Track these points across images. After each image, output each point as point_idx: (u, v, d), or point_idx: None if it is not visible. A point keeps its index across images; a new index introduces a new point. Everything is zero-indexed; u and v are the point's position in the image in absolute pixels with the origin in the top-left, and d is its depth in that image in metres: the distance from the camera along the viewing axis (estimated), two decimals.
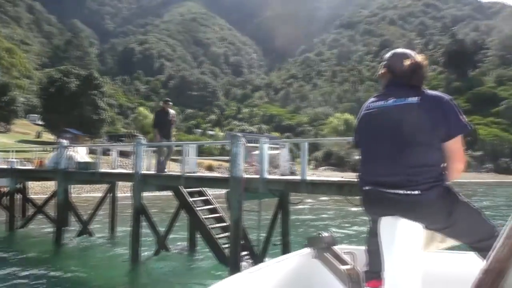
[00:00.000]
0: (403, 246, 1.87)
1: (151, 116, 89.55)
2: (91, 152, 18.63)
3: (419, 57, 2.05)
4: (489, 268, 0.91)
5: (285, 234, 8.97)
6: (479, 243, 1.94)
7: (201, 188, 10.51)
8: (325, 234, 2.23)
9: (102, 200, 14.06)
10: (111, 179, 13.26)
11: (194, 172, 9.37)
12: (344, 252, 2.20)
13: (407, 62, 2.00)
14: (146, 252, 10.30)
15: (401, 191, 1.87)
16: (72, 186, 14.27)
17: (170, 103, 10.60)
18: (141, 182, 9.89)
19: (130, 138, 52.48)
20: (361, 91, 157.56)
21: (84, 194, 25.68)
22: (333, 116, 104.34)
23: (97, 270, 9.95)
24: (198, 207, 10.02)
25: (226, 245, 8.98)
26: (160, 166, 10.03)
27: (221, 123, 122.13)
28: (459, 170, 1.97)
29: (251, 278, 1.92)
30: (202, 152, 39.75)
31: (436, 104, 1.90)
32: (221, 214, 10.18)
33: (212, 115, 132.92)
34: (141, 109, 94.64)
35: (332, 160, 73.77)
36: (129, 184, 11.29)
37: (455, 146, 1.91)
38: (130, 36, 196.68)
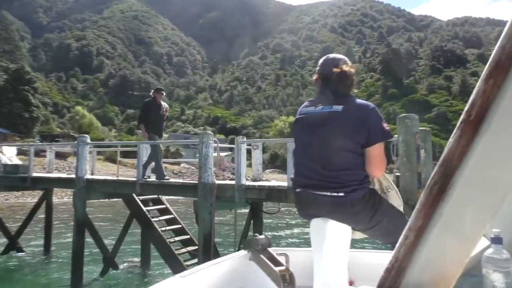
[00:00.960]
0: (332, 246, 1.96)
1: (89, 116, 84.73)
2: (22, 153, 16.33)
3: (346, 66, 2.10)
4: (390, 267, 0.95)
5: None
6: None
7: (157, 196, 9.10)
8: (261, 236, 2.29)
9: (35, 209, 11.82)
10: (46, 185, 11.17)
11: (166, 178, 7.92)
12: (278, 254, 2.25)
13: (335, 70, 2.08)
14: (90, 273, 8.69)
15: (328, 193, 1.98)
16: None
17: (163, 92, 8.43)
18: (85, 189, 8.33)
19: (66, 138, 48.75)
20: (304, 95, 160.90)
21: (13, 199, 22.76)
22: (278, 119, 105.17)
23: None
24: (154, 217, 8.62)
25: (189, 262, 7.73)
26: (160, 170, 8.00)
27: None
28: (376, 176, 2.10)
29: (184, 282, 1.89)
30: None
31: (360, 112, 2.01)
32: (181, 225, 8.82)
33: None
34: (78, 108, 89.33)
35: (278, 163, 74.03)
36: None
37: (374, 152, 2.01)
38: (66, 32, 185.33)
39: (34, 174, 10.64)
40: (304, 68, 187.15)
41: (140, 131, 8.23)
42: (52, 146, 12.86)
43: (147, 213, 8.49)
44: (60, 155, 24.80)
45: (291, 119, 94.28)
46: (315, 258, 2.01)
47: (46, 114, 76.22)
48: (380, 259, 1.77)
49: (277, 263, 2.22)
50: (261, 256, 2.25)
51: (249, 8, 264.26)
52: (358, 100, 2.07)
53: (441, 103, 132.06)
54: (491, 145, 0.73)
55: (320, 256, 1.98)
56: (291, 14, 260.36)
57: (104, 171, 23.45)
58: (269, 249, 2.28)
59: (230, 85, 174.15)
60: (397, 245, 0.95)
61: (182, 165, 53.09)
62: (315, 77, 2.21)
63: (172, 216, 8.87)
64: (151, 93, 8.40)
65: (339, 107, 2.01)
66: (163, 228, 8.44)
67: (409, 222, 0.94)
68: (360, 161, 2.01)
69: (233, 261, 2.31)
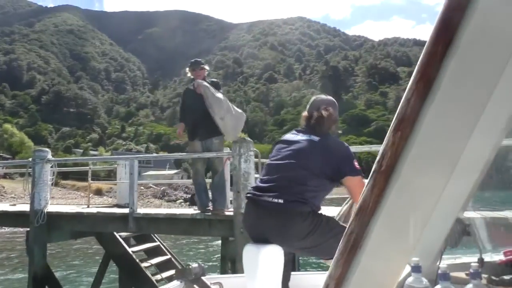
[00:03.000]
0: (264, 272, 2.00)
1: (19, 134, 77.21)
2: None
3: (325, 111, 2.35)
4: (325, 285, 0.97)
5: None
6: None
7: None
8: (194, 265, 2.22)
9: None
10: None
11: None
12: (212, 283, 2.25)
13: (315, 113, 2.35)
14: None
15: (269, 199, 2.11)
16: None
17: (203, 66, 5.25)
18: (45, 227, 5.98)
19: None
20: (247, 111, 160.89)
21: None
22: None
23: None
24: (143, 260, 6.39)
25: None
26: (202, 195, 5.11)
27: (104, 142, 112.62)
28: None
29: None
30: (85, 174, 34.27)
31: (332, 148, 2.23)
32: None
33: (93, 134, 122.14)
34: (7, 126, 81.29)
35: None
36: None
37: (349, 184, 2.19)
38: None
39: None
40: (247, 85, 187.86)
41: None
42: None
43: (133, 255, 6.25)
44: None
45: (240, 134, 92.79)
46: (248, 285, 2.05)
47: None
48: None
49: None
50: (195, 286, 2.17)
51: (190, 25, 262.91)
52: (335, 138, 2.33)
53: (379, 118, 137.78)
54: (401, 193, 0.77)
55: (253, 283, 2.02)
56: (232, 32, 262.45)
57: (58, 199, 20.14)
58: (203, 278, 2.19)
59: (172, 102, 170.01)
60: (332, 263, 0.97)
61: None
62: (304, 114, 2.44)
63: (167, 257, 6.65)
64: (187, 71, 5.31)
65: (316, 138, 2.24)
66: (158, 277, 6.20)
67: (329, 270, 0.97)
68: (320, 188, 2.17)
69: None
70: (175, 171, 60.10)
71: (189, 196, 34.10)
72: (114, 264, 6.91)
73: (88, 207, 6.74)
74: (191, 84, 5.33)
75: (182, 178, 47.76)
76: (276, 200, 2.08)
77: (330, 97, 2.54)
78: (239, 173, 4.63)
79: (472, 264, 1.04)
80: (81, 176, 34.73)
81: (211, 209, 4.90)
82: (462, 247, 1.23)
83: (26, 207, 6.46)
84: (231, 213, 4.65)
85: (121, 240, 6.38)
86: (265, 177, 2.25)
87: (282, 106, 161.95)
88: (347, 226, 0.87)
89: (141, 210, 5.46)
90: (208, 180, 5.45)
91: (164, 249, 6.79)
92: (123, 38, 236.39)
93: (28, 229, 6.11)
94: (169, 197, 35.26)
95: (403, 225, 0.85)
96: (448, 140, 0.73)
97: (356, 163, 2.21)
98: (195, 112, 5.02)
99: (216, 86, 5.20)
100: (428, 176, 0.76)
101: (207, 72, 5.30)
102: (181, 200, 34.39)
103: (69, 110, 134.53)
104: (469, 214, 1.25)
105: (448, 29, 0.67)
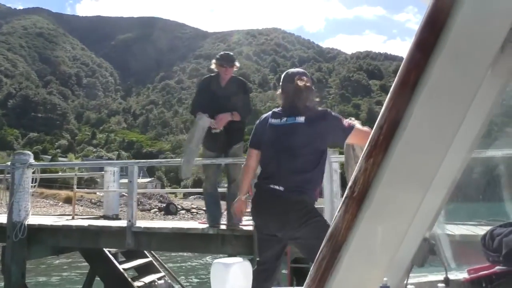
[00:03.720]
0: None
1: None
2: None
3: (300, 81, 2.35)
4: None
5: None
6: None
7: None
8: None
9: None
10: None
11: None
12: None
13: (290, 86, 2.37)
14: None
15: (275, 186, 2.23)
16: None
17: (238, 64, 4.60)
18: (25, 242, 5.27)
19: None
20: None
21: None
22: None
23: None
24: (135, 279, 5.74)
25: None
26: (212, 207, 4.59)
27: (74, 148, 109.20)
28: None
29: None
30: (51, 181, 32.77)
31: (320, 119, 2.30)
32: None
33: (62, 140, 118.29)
34: None
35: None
36: None
37: (353, 139, 2.32)
38: None
39: None
40: None
41: None
42: None
43: (124, 273, 5.59)
44: None
45: None
46: None
47: None
48: None
49: None
50: None
51: (164, 32, 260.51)
52: (316, 110, 2.37)
53: None
54: (374, 218, 0.78)
55: None
56: (207, 40, 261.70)
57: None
58: None
59: (145, 109, 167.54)
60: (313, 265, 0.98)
61: (99, 193, 47.57)
62: (278, 91, 2.46)
63: (161, 274, 6.00)
64: (212, 64, 4.56)
65: (301, 118, 2.30)
66: None
67: None
68: (318, 168, 2.29)
69: None
70: (149, 179, 58.64)
71: (164, 205, 33.06)
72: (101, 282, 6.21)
73: (73, 218, 6.05)
74: (212, 77, 4.60)
75: (155, 186, 46.54)
76: (277, 187, 2.20)
77: (300, 68, 2.51)
78: None
79: (438, 285, 1.06)
80: (49, 184, 33.12)
81: (226, 223, 4.33)
82: (428, 265, 1.24)
83: (2, 219, 5.69)
84: (250, 228, 4.08)
85: (109, 255, 5.72)
86: (267, 166, 2.35)
87: (257, 116, 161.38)
88: (319, 252, 0.88)
89: (140, 223, 4.83)
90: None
91: (158, 264, 6.15)
92: (96, 43, 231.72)
93: (4, 244, 5.37)
94: (143, 206, 34.05)
95: (375, 250, 0.87)
96: (421, 164, 0.74)
97: (344, 121, 2.30)
98: (219, 112, 4.29)
99: (245, 87, 4.65)
100: (401, 200, 0.78)
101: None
102: (156, 210, 33.28)
103: (37, 115, 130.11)
104: (435, 231, 1.27)
105: (420, 57, 0.67)
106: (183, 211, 33.08)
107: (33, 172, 5.64)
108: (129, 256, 6.28)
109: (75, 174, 6.60)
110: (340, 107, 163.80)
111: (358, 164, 0.76)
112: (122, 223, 4.83)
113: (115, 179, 6.55)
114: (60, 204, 29.10)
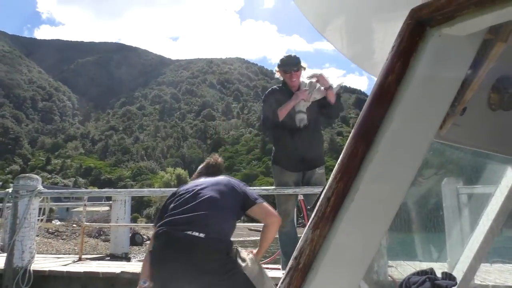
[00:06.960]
0: None
1: None
2: None
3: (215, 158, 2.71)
4: None
5: None
6: None
7: None
8: None
9: None
10: None
11: None
12: None
13: (212, 161, 2.67)
14: None
15: (191, 232, 2.05)
16: None
17: (305, 65, 3.69)
18: None
19: None
20: (184, 147, 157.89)
21: None
22: (163, 170, 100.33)
23: None
24: None
25: None
26: (291, 250, 2.95)
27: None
28: (274, 222, 2.31)
29: None
30: None
31: (233, 186, 2.33)
32: None
33: (14, 165, 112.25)
34: None
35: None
36: None
37: (258, 210, 2.30)
38: None
39: None
40: (184, 121, 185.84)
41: None
42: None
43: None
44: None
45: (179, 170, 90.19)
46: None
47: None
48: None
49: None
50: None
51: (126, 58, 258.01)
52: (232, 178, 2.47)
53: None
54: None
55: None
56: (170, 67, 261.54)
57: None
58: None
59: (104, 134, 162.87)
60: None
61: (54, 221, 44.60)
62: (206, 161, 2.75)
63: None
64: (276, 71, 3.72)
65: (223, 178, 2.43)
66: None
67: None
68: (234, 222, 2.27)
69: None
70: (108, 208, 55.84)
71: (130, 235, 31.33)
72: None
73: (80, 259, 5.05)
74: (275, 90, 3.82)
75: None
76: (196, 234, 2.03)
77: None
78: None
79: None
80: None
81: None
82: None
83: None
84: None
85: None
86: (179, 211, 2.18)
87: (220, 144, 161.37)
88: None
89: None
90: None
91: None
92: (54, 67, 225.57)
93: None
94: (106, 236, 32.14)
95: None
96: (367, 235, 0.74)
97: (252, 192, 2.40)
98: (298, 131, 3.53)
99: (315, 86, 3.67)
100: (346, 272, 0.76)
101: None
102: None
103: None
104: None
105: (367, 132, 0.69)
106: (148, 241, 31.45)
107: (41, 201, 4.53)
108: None
109: (84, 204, 5.39)
110: None
111: (304, 234, 0.75)
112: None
113: (126, 211, 5.64)
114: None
